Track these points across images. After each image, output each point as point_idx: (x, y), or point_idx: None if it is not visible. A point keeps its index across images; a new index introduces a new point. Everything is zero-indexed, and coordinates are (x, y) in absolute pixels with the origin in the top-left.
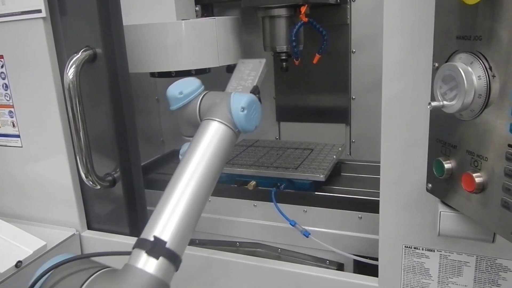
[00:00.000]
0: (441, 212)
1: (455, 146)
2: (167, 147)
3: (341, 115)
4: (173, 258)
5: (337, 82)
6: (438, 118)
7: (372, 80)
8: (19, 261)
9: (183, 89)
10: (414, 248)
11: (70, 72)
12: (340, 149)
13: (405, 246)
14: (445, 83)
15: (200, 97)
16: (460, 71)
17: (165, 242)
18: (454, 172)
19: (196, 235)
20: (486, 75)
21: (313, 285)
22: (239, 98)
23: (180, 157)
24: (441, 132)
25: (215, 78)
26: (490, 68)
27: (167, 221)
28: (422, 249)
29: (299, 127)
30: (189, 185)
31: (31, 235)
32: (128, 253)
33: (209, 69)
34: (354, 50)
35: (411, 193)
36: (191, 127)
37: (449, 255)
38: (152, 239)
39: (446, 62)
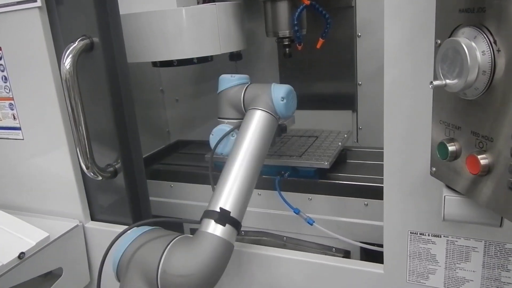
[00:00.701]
0: (446, 197)
1: (459, 127)
2: (173, 138)
3: (347, 101)
4: (236, 224)
5: (342, 67)
6: (441, 99)
7: (378, 65)
8: (22, 253)
9: (235, 75)
10: (420, 234)
11: (67, 62)
12: (345, 136)
13: (410, 232)
14: (447, 61)
15: (245, 87)
16: (462, 46)
17: (229, 212)
18: (458, 154)
19: None
20: (490, 50)
21: (318, 273)
22: (279, 89)
23: (211, 144)
24: (445, 113)
25: (218, 67)
26: (495, 42)
27: (228, 194)
28: (428, 235)
29: (305, 114)
30: (243, 164)
31: (34, 226)
32: (198, 222)
33: (211, 57)
34: (359, 34)
35: (415, 178)
36: (232, 109)
37: (456, 241)
38: (218, 210)
39: (449, 38)
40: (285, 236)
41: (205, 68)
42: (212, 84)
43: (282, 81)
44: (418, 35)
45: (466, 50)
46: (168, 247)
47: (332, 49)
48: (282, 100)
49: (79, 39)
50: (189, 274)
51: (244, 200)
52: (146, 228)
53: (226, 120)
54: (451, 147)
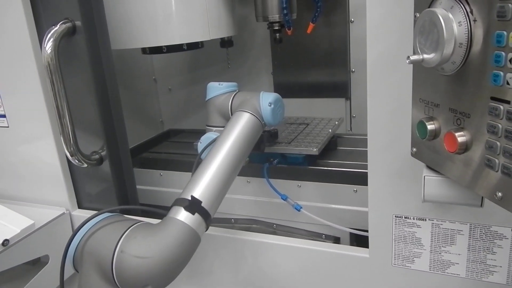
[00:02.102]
0: (425, 177)
1: (438, 104)
2: (166, 127)
3: (340, 89)
4: (206, 216)
5: (335, 54)
6: (420, 76)
7: None
8: (6, 240)
9: (223, 83)
10: (405, 217)
11: (48, 46)
12: (336, 123)
13: (395, 216)
14: (424, 34)
15: (233, 94)
16: (439, 17)
17: (200, 202)
18: (437, 133)
19: None
20: (467, 20)
21: (305, 258)
22: (267, 95)
23: (197, 149)
24: (424, 90)
25: (210, 55)
26: (471, 12)
27: (202, 185)
28: (413, 219)
29: (298, 103)
30: (224, 160)
31: (19, 214)
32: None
33: (202, 44)
34: (352, 20)
35: (399, 160)
36: (219, 117)
37: (441, 224)
38: (189, 198)
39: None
40: (275, 224)
41: (197, 56)
42: (205, 73)
43: (275, 70)
44: (398, 10)
45: (442, 21)
46: (129, 230)
47: (325, 35)
48: (270, 106)
49: (60, 22)
50: (148, 256)
51: (218, 194)
52: (107, 214)
53: (214, 128)
54: (430, 126)
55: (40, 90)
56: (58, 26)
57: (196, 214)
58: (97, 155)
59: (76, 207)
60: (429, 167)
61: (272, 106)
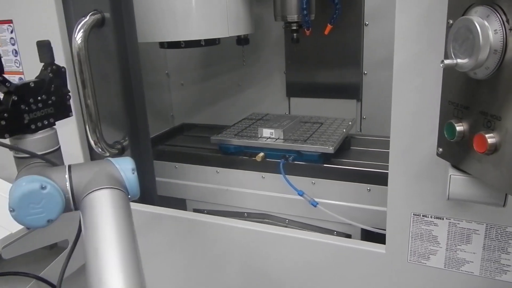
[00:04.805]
0: (451, 176)
1: (468, 107)
2: (176, 122)
3: (352, 90)
4: None
5: (348, 56)
6: (451, 79)
7: (385, 54)
8: None
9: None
10: (423, 216)
11: (78, 37)
12: (350, 123)
13: (413, 214)
14: (459, 40)
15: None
16: (475, 25)
17: None
18: (466, 134)
19: (204, 205)
20: (503, 29)
21: (321, 252)
22: (123, 160)
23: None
24: (454, 93)
25: (225, 52)
26: (508, 21)
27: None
28: (431, 217)
29: (309, 102)
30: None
31: None
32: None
33: (219, 40)
34: (367, 23)
35: (421, 160)
36: None
37: (458, 223)
38: None
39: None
40: (287, 219)
41: (210, 52)
42: (217, 69)
43: (288, 69)
44: (428, 16)
45: (479, 28)
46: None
47: (339, 37)
48: (133, 173)
49: (90, 14)
50: None
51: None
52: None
53: None
54: (459, 127)
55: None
56: (88, 17)
57: None
58: (119, 145)
59: None
60: (454, 167)
61: (135, 173)
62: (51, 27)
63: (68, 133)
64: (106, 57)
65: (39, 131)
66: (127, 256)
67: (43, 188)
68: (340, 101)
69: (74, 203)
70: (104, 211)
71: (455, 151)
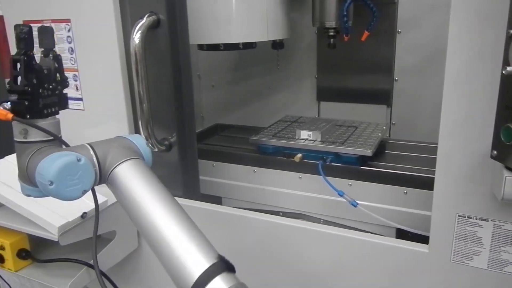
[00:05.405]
0: (506, 177)
1: None
2: (206, 123)
3: (382, 96)
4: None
5: (380, 62)
6: (509, 85)
7: (417, 61)
8: (85, 213)
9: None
10: (468, 217)
11: (137, 37)
12: (384, 127)
13: (458, 215)
14: None
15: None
16: None
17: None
18: None
19: (240, 203)
20: None
21: (364, 250)
22: (137, 138)
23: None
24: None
25: (257, 55)
26: None
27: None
28: (476, 219)
29: (339, 107)
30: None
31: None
32: None
33: (255, 43)
34: (399, 30)
35: (469, 162)
36: None
37: (503, 225)
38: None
39: None
40: (322, 219)
41: (242, 55)
42: (248, 72)
43: (319, 73)
44: (481, 26)
45: None
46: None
47: (372, 44)
48: (147, 145)
49: (146, 15)
50: None
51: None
52: None
53: None
54: None
55: (120, 76)
56: (144, 19)
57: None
58: (166, 141)
59: None
60: (509, 169)
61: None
62: (108, 27)
63: (118, 128)
64: (159, 56)
65: (50, 117)
66: (175, 209)
67: (78, 160)
68: (370, 106)
69: (100, 176)
70: (138, 177)
71: (511, 153)
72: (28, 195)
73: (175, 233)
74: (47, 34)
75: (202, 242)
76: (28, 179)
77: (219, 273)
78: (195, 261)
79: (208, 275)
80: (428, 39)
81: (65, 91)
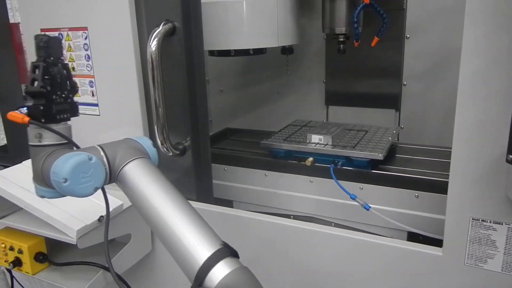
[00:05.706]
0: None
1: None
2: (215, 128)
3: (391, 100)
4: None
5: (389, 67)
6: None
7: (425, 66)
8: (102, 216)
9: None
10: (482, 220)
11: (153, 44)
12: (394, 131)
13: (472, 219)
14: None
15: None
16: None
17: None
18: None
19: (251, 207)
20: None
21: (378, 253)
22: (145, 139)
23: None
24: None
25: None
26: None
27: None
28: (490, 222)
29: (347, 111)
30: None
31: (111, 196)
32: None
33: (265, 49)
34: (408, 36)
35: (483, 166)
36: None
37: None
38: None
39: None
40: (333, 222)
41: (252, 61)
42: (257, 77)
43: (327, 78)
44: (495, 32)
45: None
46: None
47: (381, 49)
48: (153, 146)
49: (163, 23)
50: None
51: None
52: None
53: None
54: None
55: (136, 82)
56: (161, 27)
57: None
58: (181, 146)
59: None
60: None
61: (155, 148)
62: (124, 34)
63: (133, 133)
64: (174, 63)
65: (62, 122)
66: (181, 202)
67: (90, 159)
68: (378, 110)
69: (110, 174)
70: (145, 174)
71: None
72: (42, 196)
73: (181, 223)
74: (54, 44)
75: (206, 230)
76: (42, 180)
77: (223, 257)
78: (201, 248)
79: (213, 260)
80: (436, 44)
81: (81, 97)
